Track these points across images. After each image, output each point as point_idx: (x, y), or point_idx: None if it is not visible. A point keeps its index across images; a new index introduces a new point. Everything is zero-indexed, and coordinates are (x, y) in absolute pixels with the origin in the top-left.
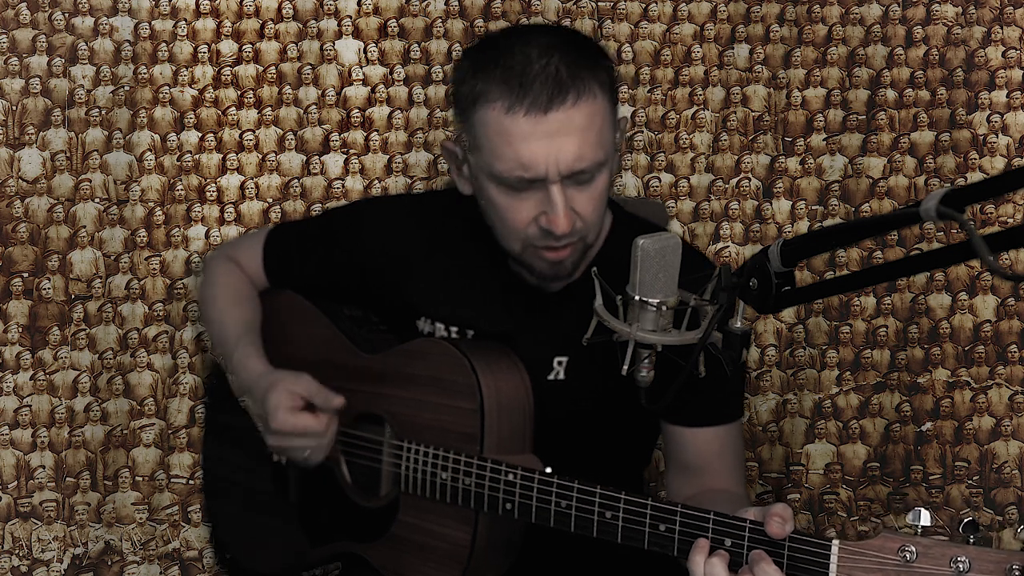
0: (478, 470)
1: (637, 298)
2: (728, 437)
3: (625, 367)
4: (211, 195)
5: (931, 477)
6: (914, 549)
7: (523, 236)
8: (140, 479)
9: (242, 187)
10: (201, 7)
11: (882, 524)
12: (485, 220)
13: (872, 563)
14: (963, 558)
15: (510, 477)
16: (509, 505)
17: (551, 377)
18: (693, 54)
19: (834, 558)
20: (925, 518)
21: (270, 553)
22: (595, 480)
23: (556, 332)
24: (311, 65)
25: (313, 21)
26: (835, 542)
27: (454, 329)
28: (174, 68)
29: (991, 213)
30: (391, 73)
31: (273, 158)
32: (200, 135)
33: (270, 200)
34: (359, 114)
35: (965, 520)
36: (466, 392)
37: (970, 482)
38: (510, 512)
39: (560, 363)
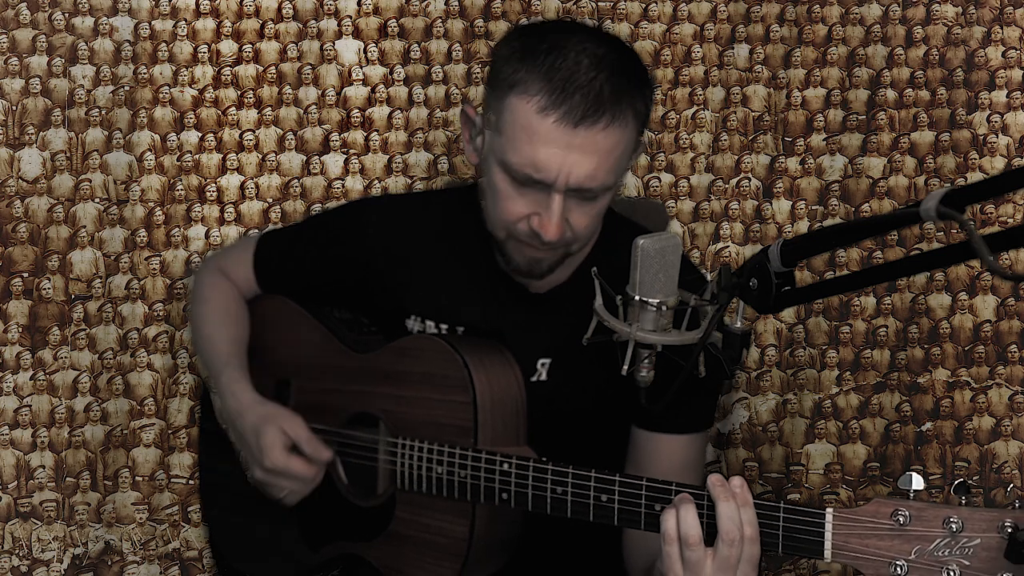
0: (473, 462)
1: (637, 298)
2: (693, 448)
3: (625, 367)
4: (211, 195)
5: (931, 477)
6: (907, 513)
7: (510, 228)
8: (140, 479)
9: (242, 187)
10: (201, 7)
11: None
12: (479, 199)
13: (866, 529)
14: (956, 519)
15: (505, 467)
16: (505, 495)
17: (533, 379)
18: (693, 54)
19: (829, 526)
20: (917, 482)
21: (271, 559)
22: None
23: (540, 334)
24: (311, 65)
25: (313, 21)
26: (829, 511)
27: (444, 326)
28: (174, 68)
29: (991, 213)
30: (391, 73)
31: (273, 158)
32: (200, 135)
33: (270, 200)
34: (359, 114)
35: (956, 482)
36: (458, 386)
37: (970, 482)
38: (507, 502)
39: (543, 365)
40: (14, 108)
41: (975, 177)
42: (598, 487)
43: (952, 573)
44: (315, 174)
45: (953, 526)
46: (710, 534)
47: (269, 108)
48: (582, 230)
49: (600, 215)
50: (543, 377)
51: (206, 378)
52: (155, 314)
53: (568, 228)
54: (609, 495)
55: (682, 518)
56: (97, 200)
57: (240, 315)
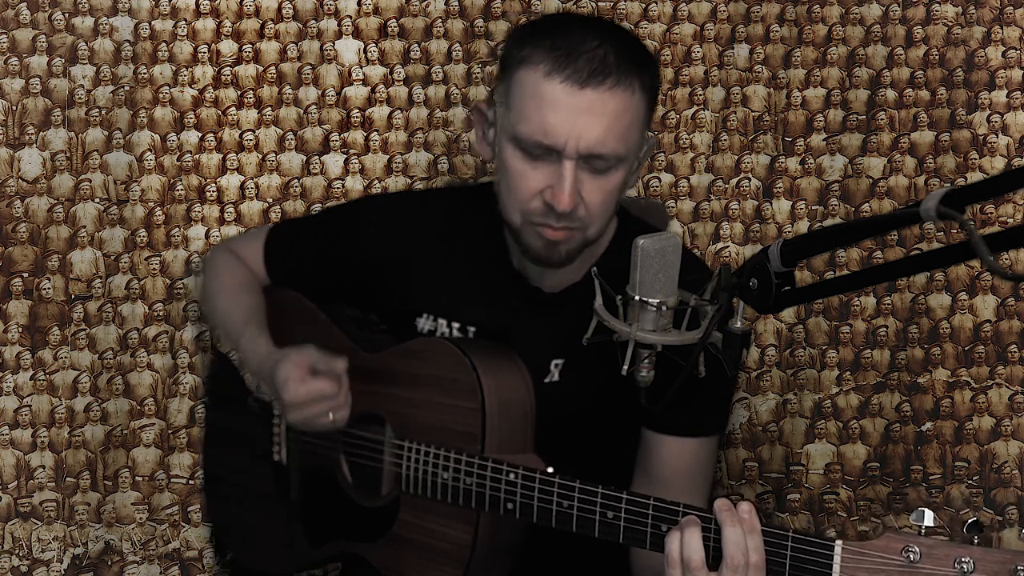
0: (479, 470)
1: (637, 298)
2: (701, 453)
3: (625, 367)
4: (211, 195)
5: (931, 477)
6: (918, 550)
7: (525, 208)
8: (140, 479)
9: (242, 187)
10: (201, 7)
11: (883, 524)
12: (495, 195)
13: (876, 563)
14: (967, 559)
15: (511, 477)
16: (511, 505)
17: (547, 380)
18: (693, 54)
19: (837, 559)
20: (928, 518)
21: (271, 553)
22: (593, 481)
23: (553, 334)
24: (311, 65)
25: (313, 21)
26: (838, 543)
27: (456, 326)
28: (174, 68)
29: (991, 213)
30: (391, 73)
31: (273, 158)
32: (200, 135)
33: (270, 200)
34: (359, 114)
35: (969, 521)
36: (467, 391)
37: (970, 482)
38: (511, 512)
39: (556, 365)
40: (14, 108)
41: (975, 177)
42: (604, 503)
43: None
44: (315, 174)
45: (964, 566)
46: (716, 558)
47: (269, 108)
48: (596, 207)
49: (613, 193)
50: (556, 378)
51: (232, 354)
52: (155, 314)
53: (581, 203)
54: (615, 512)
55: (686, 541)
56: (97, 200)
57: (254, 287)
